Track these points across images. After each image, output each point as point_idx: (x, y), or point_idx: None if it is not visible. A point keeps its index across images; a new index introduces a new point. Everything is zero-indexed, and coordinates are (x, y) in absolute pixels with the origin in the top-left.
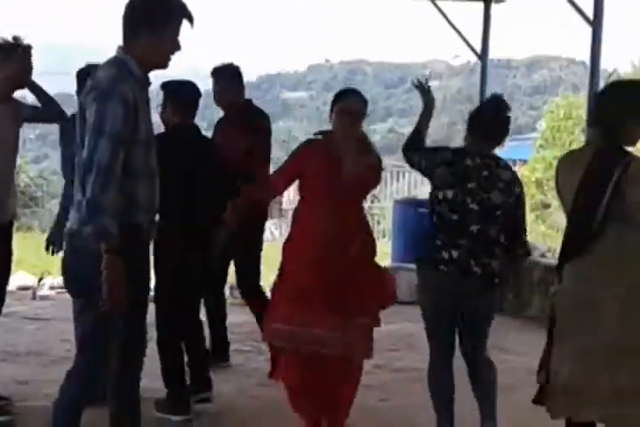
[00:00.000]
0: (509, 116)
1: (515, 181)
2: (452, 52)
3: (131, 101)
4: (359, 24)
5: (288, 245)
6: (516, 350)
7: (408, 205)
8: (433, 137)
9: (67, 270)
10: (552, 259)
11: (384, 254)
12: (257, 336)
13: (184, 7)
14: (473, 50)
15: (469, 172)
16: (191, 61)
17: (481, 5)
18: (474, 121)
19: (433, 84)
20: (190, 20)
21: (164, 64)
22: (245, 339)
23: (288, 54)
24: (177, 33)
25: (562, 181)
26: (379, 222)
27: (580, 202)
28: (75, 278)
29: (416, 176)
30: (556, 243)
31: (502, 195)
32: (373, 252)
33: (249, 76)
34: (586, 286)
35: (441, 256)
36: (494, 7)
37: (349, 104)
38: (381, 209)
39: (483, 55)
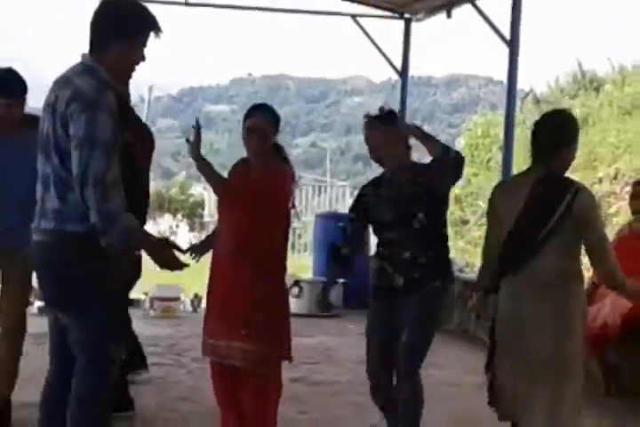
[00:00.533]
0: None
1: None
2: (373, 68)
3: (114, 112)
4: (281, 39)
5: (212, 257)
6: (436, 363)
7: (329, 219)
8: (357, 151)
9: (56, 282)
10: (470, 273)
11: (305, 268)
12: (178, 350)
13: (154, 19)
14: (393, 67)
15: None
16: None
17: (401, 23)
18: None
19: (355, 100)
20: (158, 32)
21: (129, 75)
22: (166, 352)
23: (210, 68)
24: (145, 44)
25: (499, 205)
26: (300, 236)
27: (521, 225)
28: (69, 289)
29: (337, 191)
30: (474, 258)
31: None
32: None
33: (171, 88)
34: (521, 303)
35: None
36: (414, 25)
37: (255, 122)
38: (303, 223)
39: (403, 72)
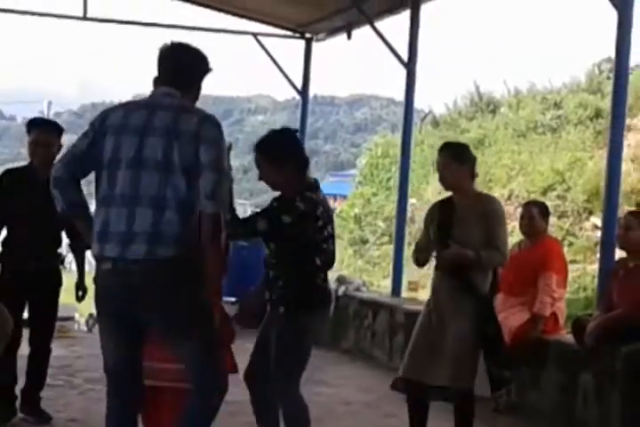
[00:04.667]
0: None
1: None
2: (277, 87)
3: None
4: None
5: None
6: (328, 382)
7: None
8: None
9: (162, 305)
10: (367, 293)
11: None
12: (71, 370)
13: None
14: (294, 86)
15: None
16: (4, 82)
17: (302, 43)
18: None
19: (258, 118)
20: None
21: None
22: (59, 373)
23: (113, 85)
24: None
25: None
26: None
27: (438, 235)
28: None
29: (238, 209)
30: (372, 277)
31: None
32: None
33: (73, 104)
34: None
35: None
36: (316, 45)
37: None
38: None
39: (303, 91)
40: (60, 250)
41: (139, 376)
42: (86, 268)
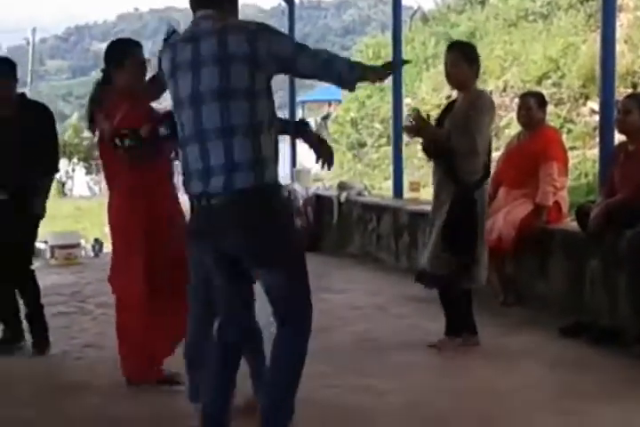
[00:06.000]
0: None
1: None
2: None
3: None
4: None
5: None
6: (335, 288)
7: None
8: None
9: (257, 238)
10: (369, 197)
11: None
12: (82, 297)
13: None
14: None
15: None
16: None
17: None
18: None
19: None
20: None
21: None
22: (70, 300)
23: (95, 4)
24: None
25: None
26: None
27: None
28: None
29: None
30: (373, 181)
31: None
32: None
33: (57, 29)
34: None
35: None
36: None
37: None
38: None
39: None
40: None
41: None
42: None
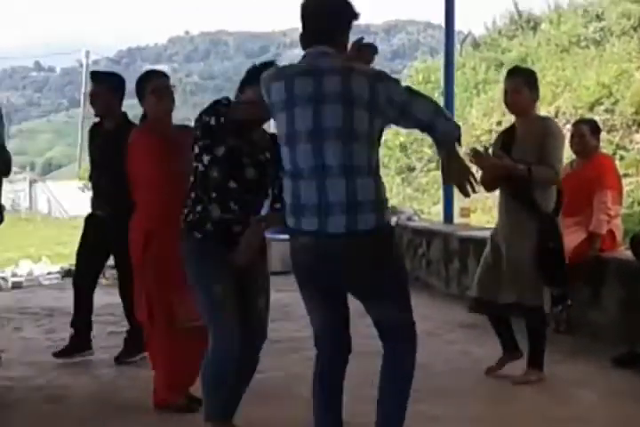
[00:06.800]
0: None
1: None
2: None
3: None
4: None
5: None
6: None
7: None
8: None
9: (380, 274)
10: (419, 222)
11: None
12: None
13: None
14: None
15: None
16: (42, 34)
17: None
18: None
19: (295, 51)
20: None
21: None
22: (122, 320)
23: (147, 27)
24: None
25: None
26: None
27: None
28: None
29: None
30: (422, 205)
31: None
32: None
33: (109, 51)
34: None
35: None
36: None
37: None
38: None
39: None
40: None
41: (345, 342)
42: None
